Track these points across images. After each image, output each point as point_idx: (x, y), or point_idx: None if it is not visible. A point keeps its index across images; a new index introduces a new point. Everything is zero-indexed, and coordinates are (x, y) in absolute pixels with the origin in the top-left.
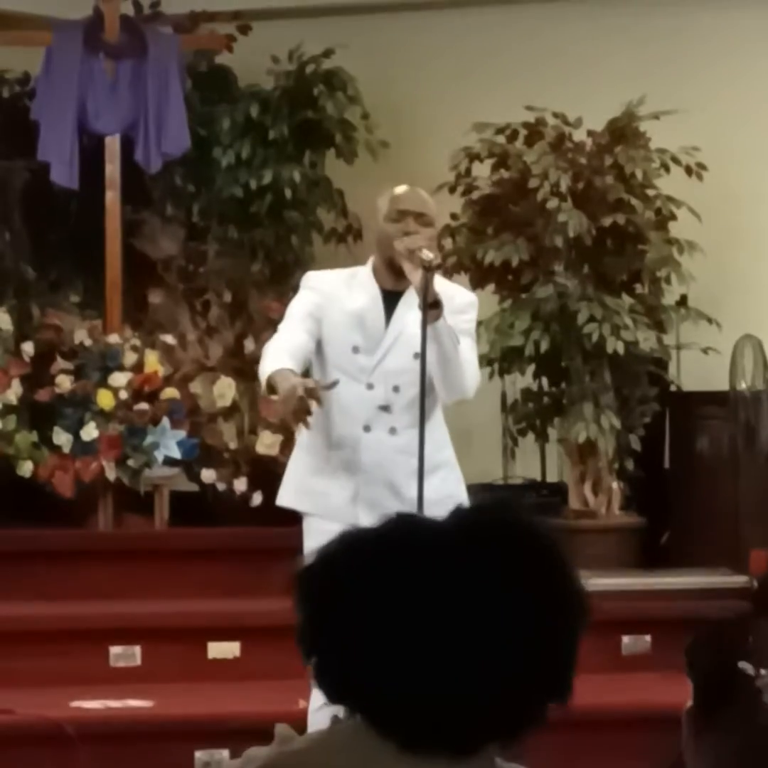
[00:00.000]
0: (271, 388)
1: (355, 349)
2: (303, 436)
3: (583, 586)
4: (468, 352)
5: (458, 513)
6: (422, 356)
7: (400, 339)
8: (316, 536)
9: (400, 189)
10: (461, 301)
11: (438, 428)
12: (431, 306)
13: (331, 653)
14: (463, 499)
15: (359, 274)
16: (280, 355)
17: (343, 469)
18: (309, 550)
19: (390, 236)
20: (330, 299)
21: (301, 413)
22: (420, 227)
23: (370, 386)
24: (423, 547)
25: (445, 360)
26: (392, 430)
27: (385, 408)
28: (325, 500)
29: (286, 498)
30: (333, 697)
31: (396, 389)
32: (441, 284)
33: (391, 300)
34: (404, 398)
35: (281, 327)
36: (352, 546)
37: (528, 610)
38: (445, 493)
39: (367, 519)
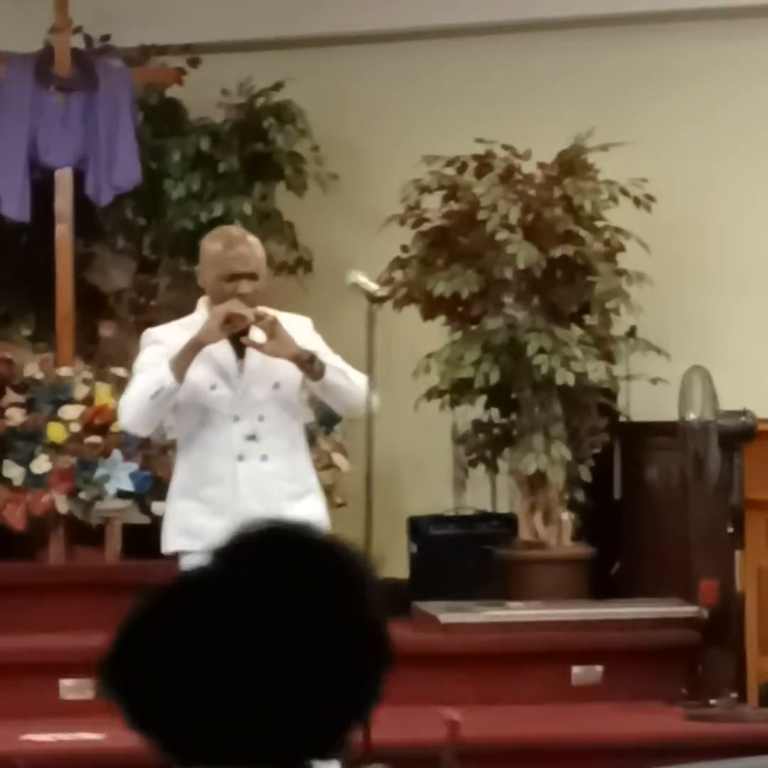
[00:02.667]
0: (181, 356)
1: (213, 387)
2: (176, 482)
3: (381, 619)
4: (344, 366)
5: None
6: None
7: (258, 372)
8: None
9: (233, 246)
10: (305, 333)
11: (304, 454)
12: (308, 362)
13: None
14: (326, 521)
15: (195, 320)
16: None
17: (221, 503)
18: None
19: (223, 294)
20: (175, 346)
21: (237, 318)
22: (251, 285)
23: (236, 418)
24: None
25: (344, 395)
26: (264, 457)
27: (253, 437)
28: (208, 535)
29: (170, 543)
30: (135, 725)
31: (261, 418)
32: (280, 316)
33: (233, 337)
34: (270, 426)
35: (135, 379)
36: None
37: (321, 639)
38: (316, 516)
39: None
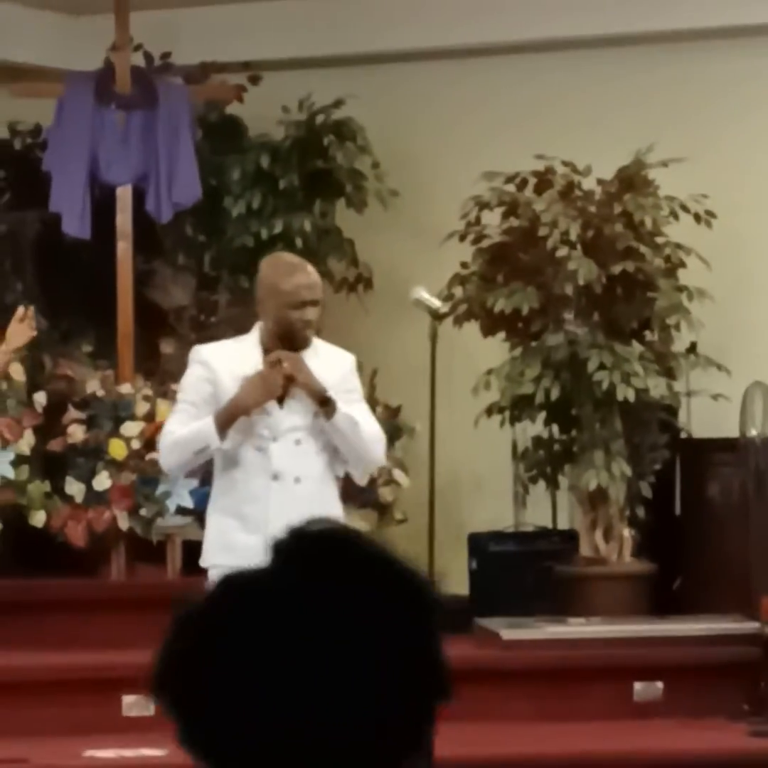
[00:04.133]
0: (227, 420)
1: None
2: (215, 499)
3: (441, 647)
4: (368, 422)
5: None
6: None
7: (298, 400)
8: None
9: (298, 275)
10: (344, 370)
11: (333, 484)
12: (323, 403)
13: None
14: None
15: (246, 341)
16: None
17: (256, 521)
18: None
19: (291, 324)
20: (219, 370)
21: (283, 379)
22: (314, 311)
23: (274, 439)
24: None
25: (350, 446)
26: (297, 480)
27: (289, 460)
28: (246, 553)
29: (208, 558)
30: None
31: (297, 442)
32: (321, 348)
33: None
34: (305, 450)
35: (177, 416)
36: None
37: (391, 668)
38: None
39: None
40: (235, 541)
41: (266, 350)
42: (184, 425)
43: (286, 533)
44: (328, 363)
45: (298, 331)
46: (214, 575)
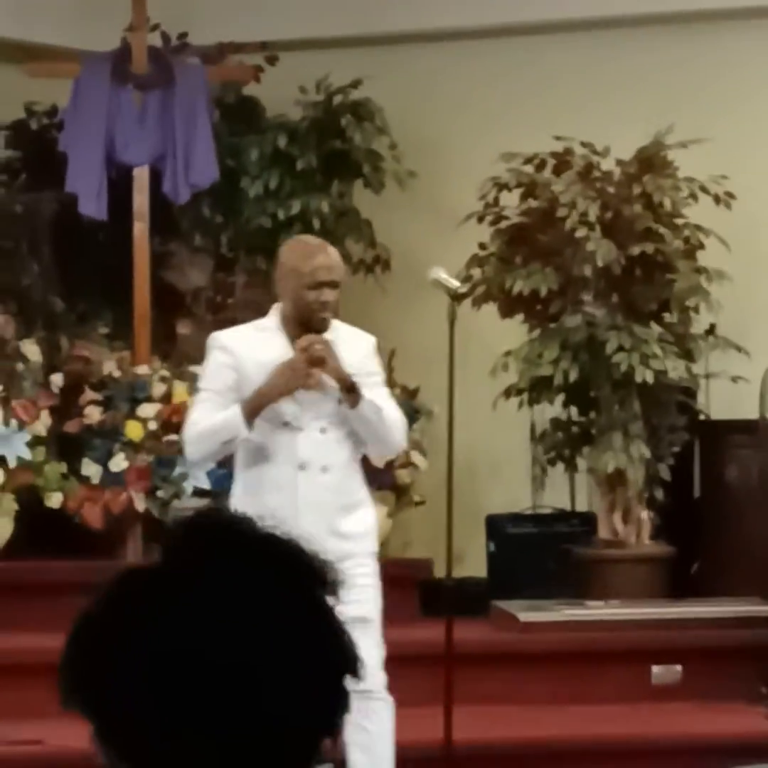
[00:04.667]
0: (255, 409)
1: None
2: (237, 487)
3: (338, 623)
4: (390, 407)
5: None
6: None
7: (323, 387)
8: None
9: (317, 256)
10: (364, 352)
11: (358, 469)
12: (349, 390)
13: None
14: (375, 536)
15: (266, 326)
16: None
17: (280, 511)
18: None
19: (308, 305)
20: (241, 355)
21: (315, 363)
22: (333, 293)
23: (300, 429)
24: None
25: (373, 432)
26: (324, 469)
27: (315, 449)
28: None
29: None
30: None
31: (323, 431)
32: (341, 330)
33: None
34: (332, 439)
35: (202, 405)
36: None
37: (293, 649)
38: (367, 527)
39: None
40: None
41: (288, 335)
42: (208, 413)
43: (172, 525)
44: (349, 345)
45: (315, 312)
46: None
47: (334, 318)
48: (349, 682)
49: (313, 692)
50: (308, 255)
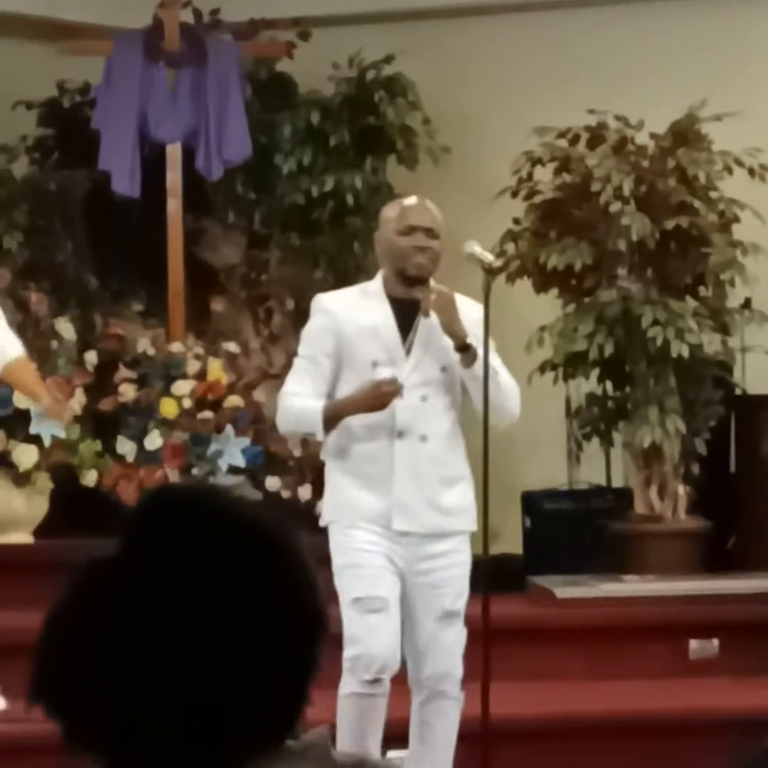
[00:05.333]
0: (334, 417)
1: (375, 364)
2: (334, 457)
3: (318, 598)
4: (505, 373)
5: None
6: (485, 363)
7: (426, 352)
8: (348, 551)
9: (410, 202)
10: (476, 320)
11: (461, 441)
12: (463, 349)
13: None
14: (473, 514)
15: (369, 288)
16: (304, 401)
17: (377, 480)
18: (340, 565)
19: (400, 250)
20: (342, 319)
21: (389, 395)
22: (429, 241)
23: (399, 395)
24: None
25: (493, 394)
26: (423, 438)
27: (414, 417)
28: (368, 512)
29: (329, 515)
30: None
31: (424, 398)
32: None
33: (404, 310)
34: (432, 407)
35: (296, 375)
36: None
37: (263, 621)
38: (467, 503)
39: (402, 525)
40: (357, 500)
41: (390, 297)
42: (302, 384)
43: (140, 501)
44: (462, 310)
45: (409, 258)
46: (334, 532)
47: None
48: (318, 649)
49: (287, 664)
50: (399, 203)
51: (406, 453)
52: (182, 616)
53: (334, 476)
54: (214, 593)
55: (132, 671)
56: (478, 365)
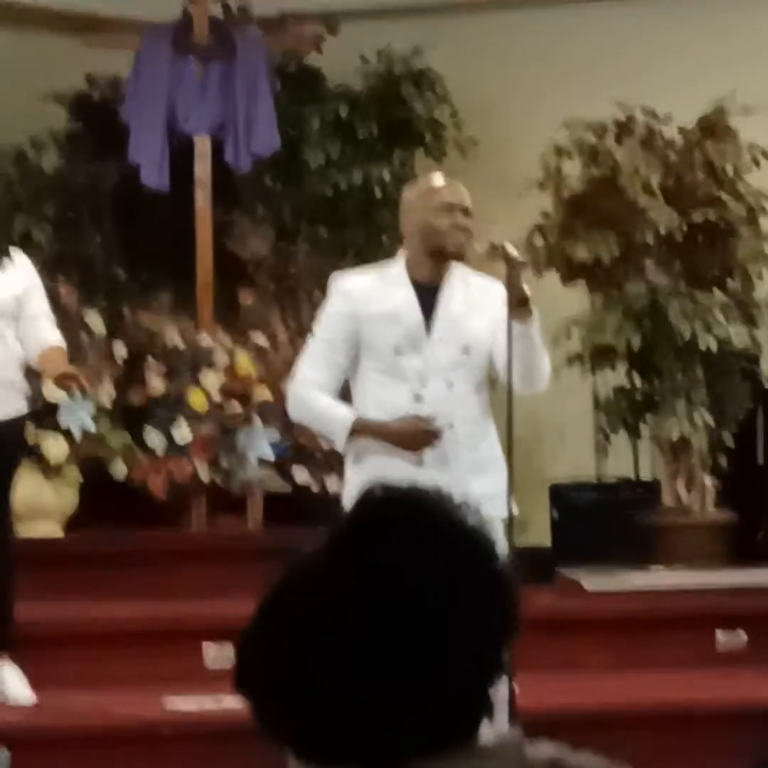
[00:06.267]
0: (365, 435)
1: (397, 350)
2: (354, 449)
3: (514, 603)
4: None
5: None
6: (509, 359)
7: (448, 333)
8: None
9: (440, 180)
10: (500, 293)
11: (491, 425)
12: (521, 303)
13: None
14: (508, 500)
15: (390, 270)
16: (329, 401)
17: (404, 472)
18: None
19: (436, 228)
20: (362, 303)
21: (427, 441)
22: (467, 220)
23: (423, 383)
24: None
25: (533, 356)
26: (450, 425)
27: (440, 404)
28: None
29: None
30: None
31: (449, 385)
32: (472, 277)
33: (427, 293)
34: (459, 392)
35: (311, 358)
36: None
37: (461, 623)
38: (498, 488)
39: None
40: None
41: (413, 280)
42: (318, 371)
43: (359, 500)
44: (484, 291)
45: (451, 236)
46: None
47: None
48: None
49: (481, 663)
50: (432, 181)
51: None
52: (390, 612)
53: (357, 470)
54: (425, 591)
55: (335, 665)
56: (535, 325)
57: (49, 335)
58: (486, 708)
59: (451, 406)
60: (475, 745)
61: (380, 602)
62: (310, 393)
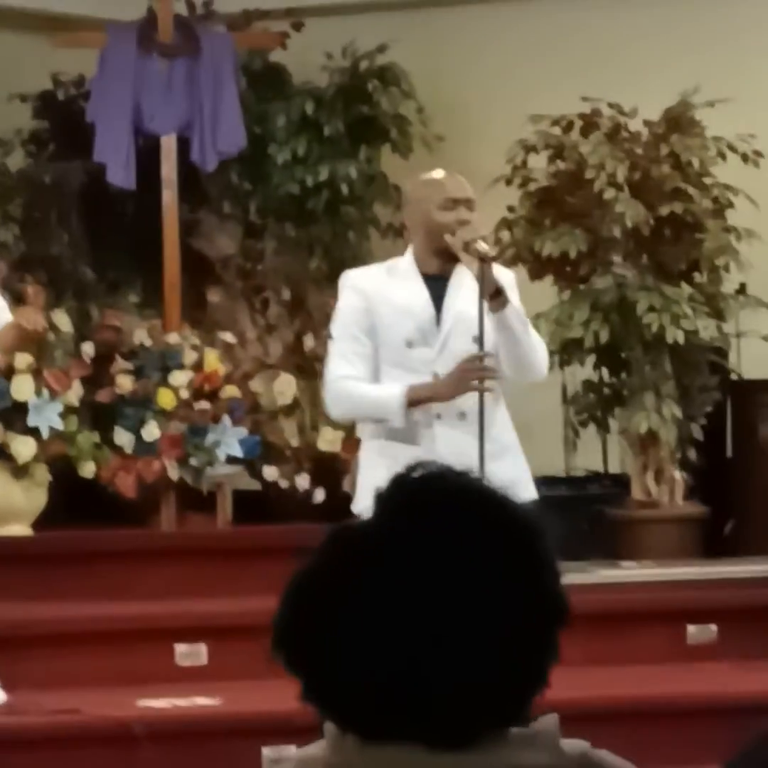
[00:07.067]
0: (417, 403)
1: (409, 344)
2: (368, 442)
3: (560, 582)
4: (534, 332)
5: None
6: (480, 344)
7: (458, 325)
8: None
9: (442, 175)
10: (509, 285)
11: (504, 412)
12: (494, 295)
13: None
14: (530, 483)
15: (399, 264)
16: (371, 386)
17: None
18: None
19: (442, 225)
20: (374, 297)
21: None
22: (470, 213)
23: (435, 375)
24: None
25: (517, 344)
26: (462, 415)
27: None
28: None
29: (362, 501)
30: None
31: None
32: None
33: (436, 286)
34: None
35: (345, 360)
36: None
37: (507, 602)
38: (520, 472)
39: None
40: None
41: (422, 273)
42: (355, 366)
43: (390, 483)
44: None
45: (454, 232)
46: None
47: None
48: (558, 631)
49: (526, 647)
50: (435, 176)
51: (448, 433)
52: (426, 588)
53: (371, 460)
54: (462, 570)
55: (372, 639)
56: (510, 312)
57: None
58: (537, 690)
59: (463, 396)
60: (510, 732)
61: (424, 583)
62: (348, 384)
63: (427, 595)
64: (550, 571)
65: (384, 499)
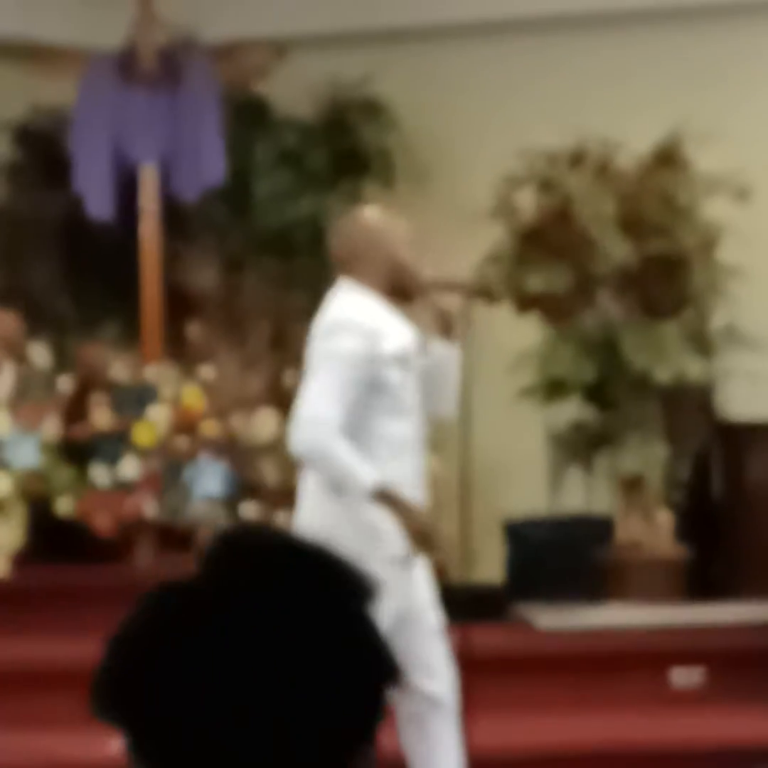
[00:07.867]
0: (383, 502)
1: (402, 386)
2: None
3: (375, 631)
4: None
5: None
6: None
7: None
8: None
9: (388, 214)
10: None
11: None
12: (447, 329)
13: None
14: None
15: (374, 305)
16: (355, 458)
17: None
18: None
19: (404, 264)
20: (378, 344)
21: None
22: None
23: (419, 416)
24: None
25: (450, 385)
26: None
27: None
28: (396, 540)
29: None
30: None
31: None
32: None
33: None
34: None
35: (335, 402)
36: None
37: (321, 655)
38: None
39: None
40: (384, 530)
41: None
42: (338, 409)
43: (213, 540)
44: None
45: (418, 272)
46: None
47: None
48: (387, 692)
49: (348, 703)
50: (392, 218)
51: (423, 470)
52: (253, 647)
53: (367, 508)
54: (288, 629)
55: (198, 697)
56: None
57: None
58: (351, 753)
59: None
60: None
61: (238, 651)
62: (335, 442)
63: (242, 664)
64: (371, 627)
65: (209, 557)
